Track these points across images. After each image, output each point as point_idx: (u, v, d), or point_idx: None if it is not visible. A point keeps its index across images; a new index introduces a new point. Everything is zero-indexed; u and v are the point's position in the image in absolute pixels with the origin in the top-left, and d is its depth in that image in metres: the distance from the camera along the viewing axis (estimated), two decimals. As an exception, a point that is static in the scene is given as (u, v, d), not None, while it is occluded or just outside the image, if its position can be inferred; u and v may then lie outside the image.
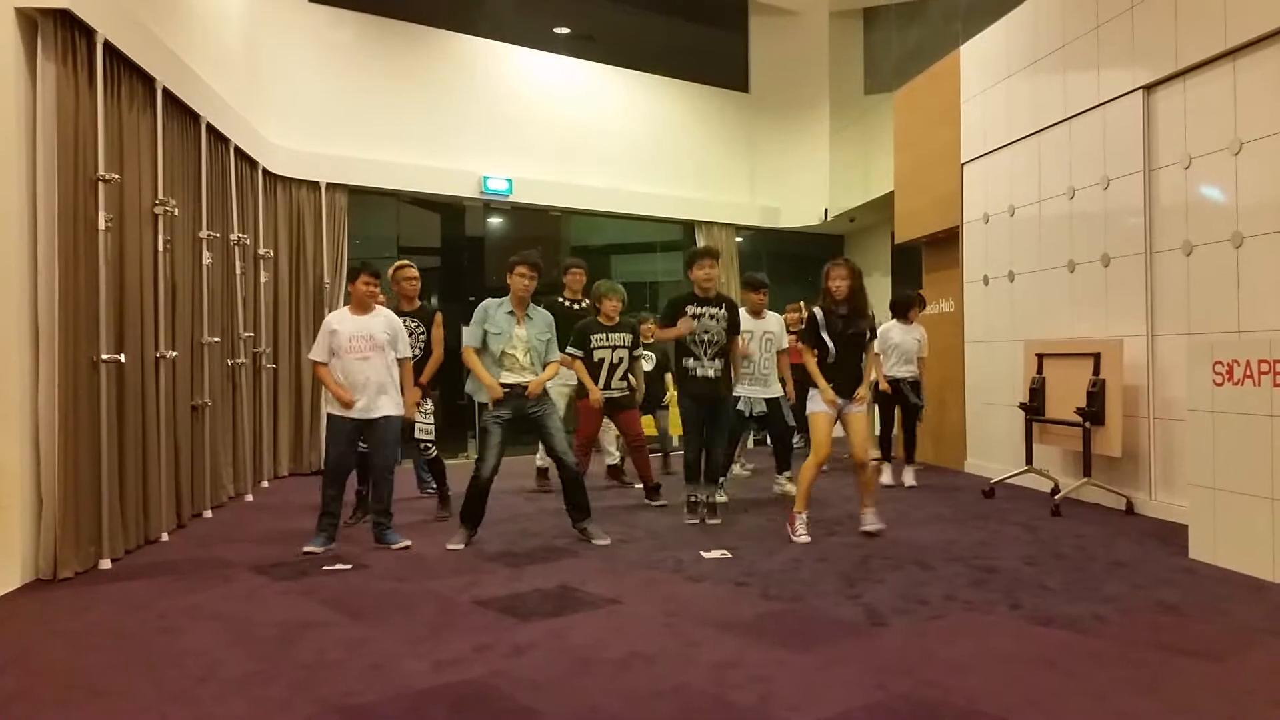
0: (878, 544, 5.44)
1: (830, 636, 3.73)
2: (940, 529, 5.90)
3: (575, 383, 7.08)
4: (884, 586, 4.47)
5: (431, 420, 6.50)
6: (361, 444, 5.77)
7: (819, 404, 5.65)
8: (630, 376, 7.00)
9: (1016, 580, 4.56)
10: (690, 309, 6.05)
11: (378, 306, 5.71)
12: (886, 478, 7.75)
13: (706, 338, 6.04)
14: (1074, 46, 7.01)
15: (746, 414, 6.86)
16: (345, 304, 5.84)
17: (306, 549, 5.39)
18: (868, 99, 12.38)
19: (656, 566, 4.96)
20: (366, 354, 5.50)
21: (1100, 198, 6.78)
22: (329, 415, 5.60)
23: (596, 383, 6.78)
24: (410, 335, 6.34)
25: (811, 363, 5.72)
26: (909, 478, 7.73)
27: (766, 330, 6.90)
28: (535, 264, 5.68)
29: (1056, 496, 6.55)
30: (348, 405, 5.44)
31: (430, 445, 6.56)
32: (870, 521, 5.69)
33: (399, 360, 5.69)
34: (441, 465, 6.68)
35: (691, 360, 6.05)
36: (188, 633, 3.88)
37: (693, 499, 6.20)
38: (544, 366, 5.71)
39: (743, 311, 6.70)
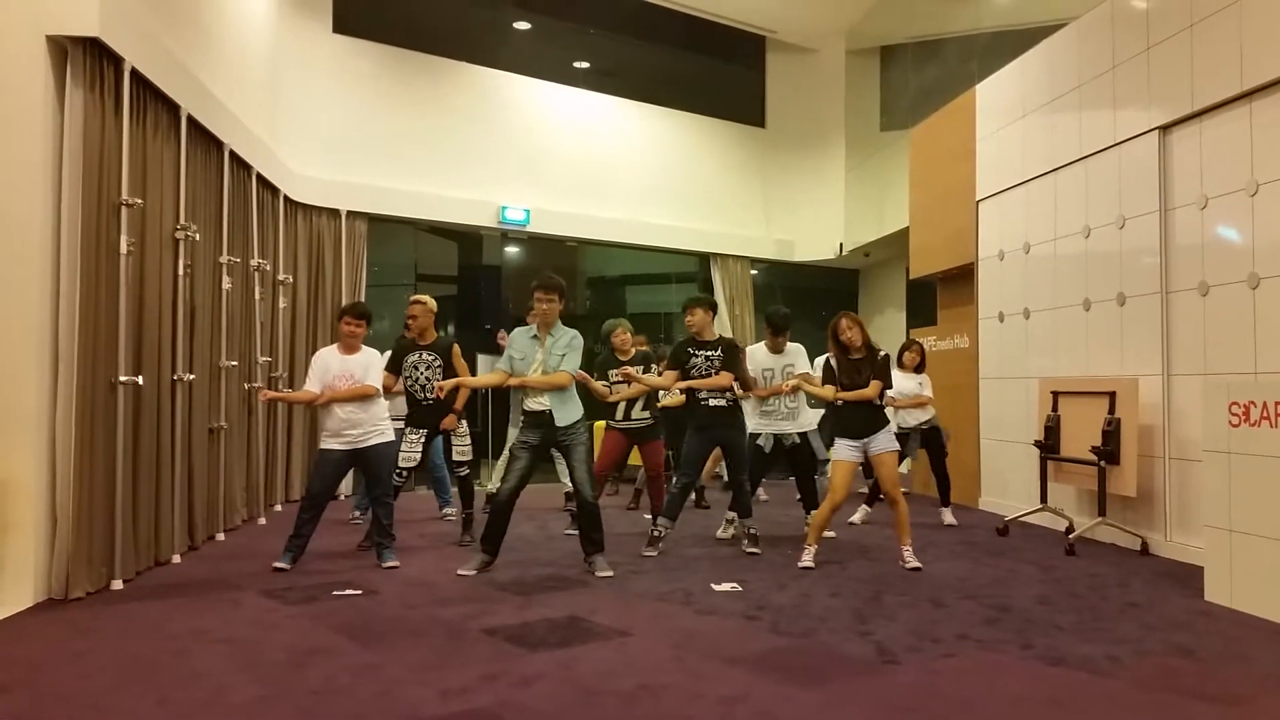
0: (891, 580, 5.39)
1: (840, 673, 3.69)
2: (954, 566, 5.84)
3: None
4: (896, 623, 4.42)
5: (469, 443, 6.72)
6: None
7: (841, 451, 5.84)
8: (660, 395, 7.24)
9: (1029, 620, 4.50)
10: (691, 350, 6.29)
11: (364, 347, 5.93)
12: (949, 518, 7.56)
13: (704, 375, 6.23)
14: (1090, 86, 7.04)
15: (766, 450, 6.71)
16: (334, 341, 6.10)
17: (276, 565, 5.61)
18: (883, 135, 12.44)
19: (666, 598, 4.93)
20: None
21: (1116, 237, 6.77)
22: (320, 450, 5.84)
23: (615, 415, 7.05)
24: (428, 369, 6.42)
25: (820, 391, 6.03)
26: (947, 516, 7.59)
27: (787, 364, 6.70)
28: (547, 285, 5.49)
29: (1071, 535, 6.48)
30: (307, 402, 5.94)
31: (465, 466, 6.71)
32: (910, 559, 5.75)
33: (368, 385, 5.83)
34: (471, 488, 6.76)
35: (704, 390, 6.23)
36: (196, 655, 3.88)
37: (656, 533, 6.23)
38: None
39: (763, 347, 6.72)
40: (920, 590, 5.13)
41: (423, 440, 6.48)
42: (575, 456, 5.56)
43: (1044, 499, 7.00)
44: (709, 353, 6.24)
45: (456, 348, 6.58)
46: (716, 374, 6.17)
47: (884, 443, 5.83)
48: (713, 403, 6.21)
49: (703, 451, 6.38)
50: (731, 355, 6.25)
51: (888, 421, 5.96)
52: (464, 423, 6.68)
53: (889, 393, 6.22)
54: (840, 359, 5.92)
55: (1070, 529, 6.68)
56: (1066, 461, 6.82)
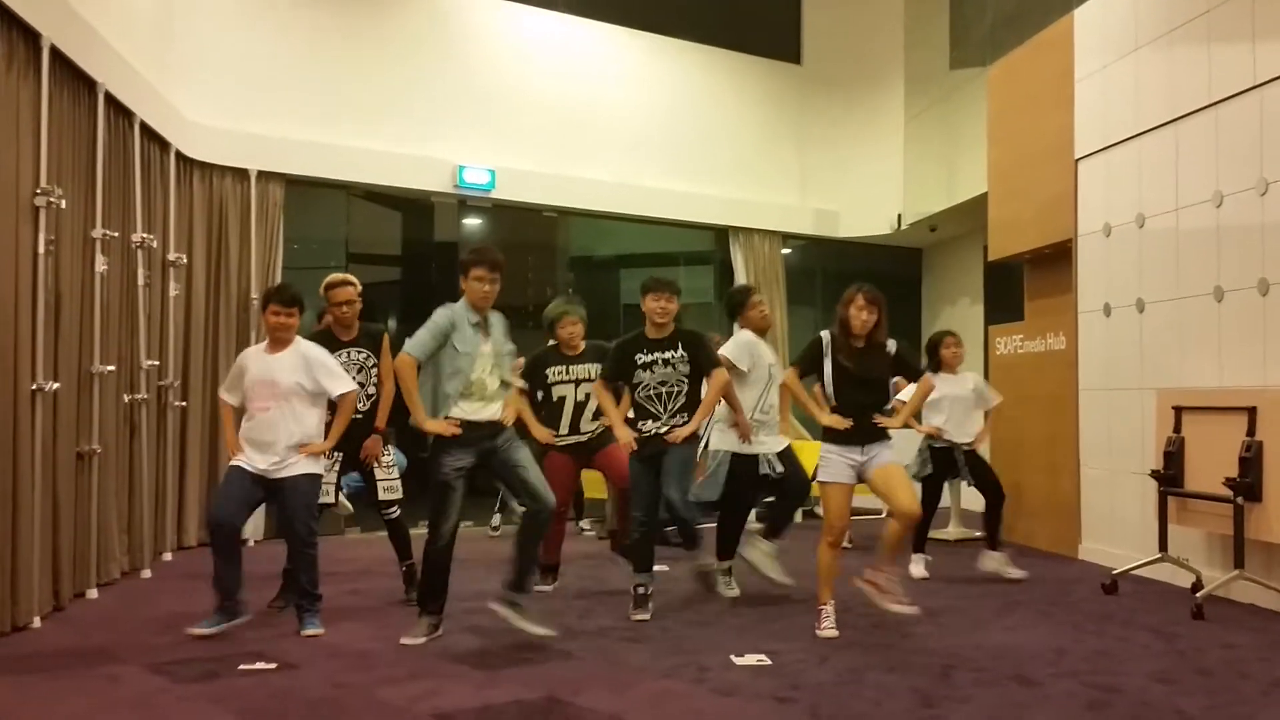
0: (964, 652, 5.39)
1: (900, 772, 3.68)
2: (1046, 634, 5.84)
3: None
4: (972, 707, 4.42)
5: (396, 475, 6.58)
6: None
7: (831, 472, 5.78)
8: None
9: (1146, 704, 4.50)
10: (639, 357, 6.19)
11: (298, 339, 5.84)
12: (920, 570, 7.59)
13: (663, 390, 6.15)
14: (1222, 11, 7.04)
15: (764, 474, 6.66)
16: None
17: (195, 631, 5.50)
18: (954, 75, 12.45)
19: (673, 674, 4.93)
20: (267, 405, 5.67)
21: (1256, 206, 6.77)
22: (231, 465, 5.75)
23: (559, 428, 6.81)
24: (359, 371, 6.40)
25: (800, 389, 5.94)
26: (1010, 571, 7.54)
27: (770, 361, 6.80)
28: (496, 262, 5.56)
29: (1199, 594, 6.47)
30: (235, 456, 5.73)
31: (394, 507, 6.58)
32: (896, 602, 5.77)
33: (342, 395, 5.82)
34: (405, 533, 6.67)
35: (650, 423, 6.17)
36: (60, 749, 3.87)
37: (641, 590, 6.13)
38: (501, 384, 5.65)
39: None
40: (1002, 665, 5.13)
41: (336, 468, 6.38)
42: (521, 457, 5.59)
43: (1164, 546, 6.99)
44: (668, 354, 6.16)
45: (387, 339, 6.49)
46: (688, 380, 6.13)
47: (888, 455, 5.84)
48: (661, 430, 6.12)
49: (651, 480, 6.18)
50: (702, 352, 6.18)
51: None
52: (391, 449, 6.54)
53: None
54: (846, 344, 5.85)
55: (1198, 585, 6.67)
56: (1193, 498, 6.81)
